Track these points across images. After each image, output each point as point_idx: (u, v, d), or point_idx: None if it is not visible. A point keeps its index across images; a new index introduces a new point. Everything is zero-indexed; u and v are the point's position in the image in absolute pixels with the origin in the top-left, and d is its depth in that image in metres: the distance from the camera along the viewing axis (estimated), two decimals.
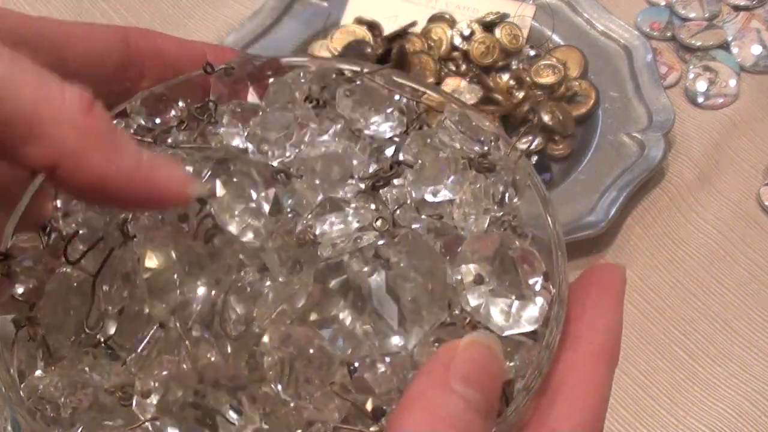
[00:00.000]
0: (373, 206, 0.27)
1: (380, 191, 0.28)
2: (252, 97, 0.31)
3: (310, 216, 0.27)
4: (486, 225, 0.28)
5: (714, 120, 0.65)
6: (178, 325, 0.26)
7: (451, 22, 0.66)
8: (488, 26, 0.66)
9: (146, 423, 0.24)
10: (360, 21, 0.66)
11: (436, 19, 0.66)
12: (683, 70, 0.68)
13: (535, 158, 0.60)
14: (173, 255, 0.26)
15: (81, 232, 0.28)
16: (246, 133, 0.29)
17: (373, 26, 0.65)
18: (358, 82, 0.31)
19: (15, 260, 0.27)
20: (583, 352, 0.27)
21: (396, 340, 0.25)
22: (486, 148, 0.29)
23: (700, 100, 0.66)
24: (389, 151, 0.30)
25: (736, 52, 0.68)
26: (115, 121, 0.30)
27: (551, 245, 0.28)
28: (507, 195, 0.29)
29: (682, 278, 0.57)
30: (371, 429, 0.24)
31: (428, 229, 0.28)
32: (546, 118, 0.61)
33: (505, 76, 0.64)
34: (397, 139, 0.30)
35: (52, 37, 0.30)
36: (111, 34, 0.32)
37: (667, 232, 0.59)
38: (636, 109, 0.63)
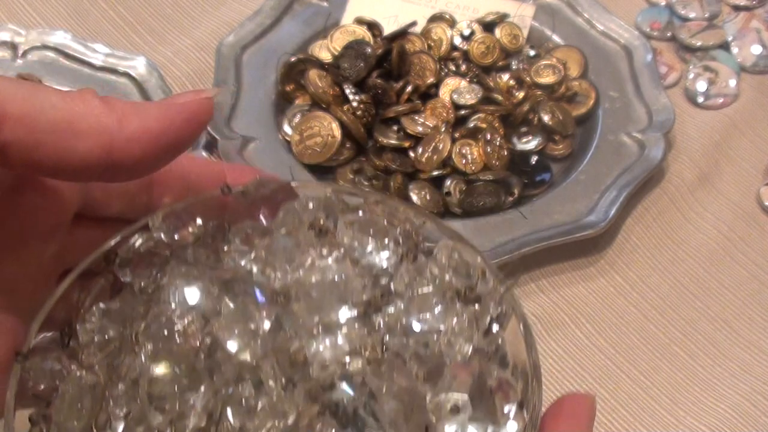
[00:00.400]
0: (364, 331, 0.30)
1: (372, 317, 0.30)
2: (263, 219, 0.34)
3: (304, 337, 0.29)
4: (469, 354, 0.30)
5: (714, 120, 0.65)
6: None
7: (451, 22, 0.66)
8: (488, 26, 0.66)
9: None
10: (360, 21, 0.66)
11: (436, 19, 0.66)
12: (683, 70, 0.68)
13: (535, 158, 0.60)
14: (176, 367, 0.28)
15: (96, 338, 0.30)
16: (253, 256, 0.31)
17: (373, 26, 0.65)
18: (360, 213, 0.33)
19: (35, 360, 0.29)
20: None
21: None
22: (473, 281, 0.32)
23: (700, 100, 0.66)
24: (384, 280, 0.32)
25: (736, 52, 0.69)
26: (136, 235, 0.33)
27: (528, 374, 0.31)
28: (492, 326, 0.31)
29: (682, 278, 0.57)
30: None
31: (414, 355, 0.30)
32: (546, 118, 0.61)
33: (505, 76, 0.64)
34: (391, 269, 0.32)
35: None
36: None
37: (667, 232, 0.59)
38: (636, 109, 0.63)
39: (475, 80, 0.63)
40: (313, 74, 0.61)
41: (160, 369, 0.28)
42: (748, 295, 0.56)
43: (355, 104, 0.59)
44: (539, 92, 0.63)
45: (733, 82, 0.67)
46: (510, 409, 0.29)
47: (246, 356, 0.29)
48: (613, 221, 0.56)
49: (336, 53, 0.63)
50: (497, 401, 0.29)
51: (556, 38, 0.67)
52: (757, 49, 0.69)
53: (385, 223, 0.33)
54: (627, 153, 0.60)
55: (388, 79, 0.61)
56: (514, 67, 0.65)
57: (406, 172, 0.58)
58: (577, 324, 0.54)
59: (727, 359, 0.53)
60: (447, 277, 0.32)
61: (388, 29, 0.65)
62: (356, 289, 0.31)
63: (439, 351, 0.30)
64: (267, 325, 0.29)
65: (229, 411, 0.28)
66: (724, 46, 0.69)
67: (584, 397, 0.30)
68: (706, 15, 0.71)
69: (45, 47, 0.63)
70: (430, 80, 0.62)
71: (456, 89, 0.62)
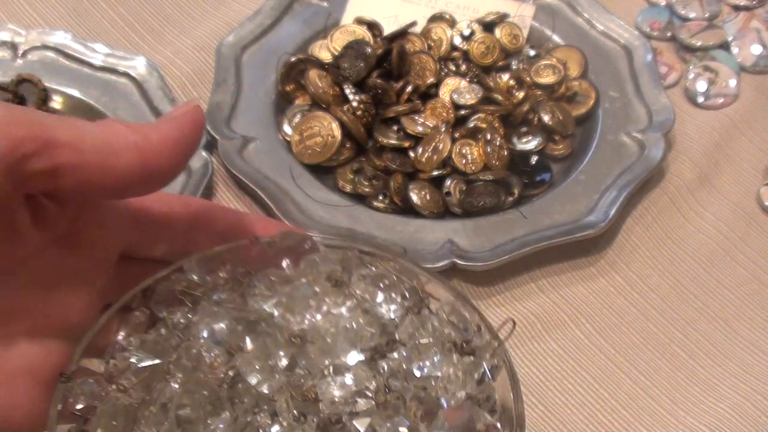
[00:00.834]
0: (371, 374, 0.34)
1: (378, 362, 0.34)
2: (286, 268, 0.38)
3: (317, 376, 0.33)
4: (462, 399, 0.34)
5: (714, 120, 0.65)
6: None
7: (451, 22, 0.66)
8: (488, 26, 0.66)
9: None
10: (360, 21, 0.66)
11: (436, 19, 0.66)
12: (683, 70, 0.68)
13: (535, 158, 0.60)
14: (202, 396, 0.32)
15: (132, 365, 0.34)
16: (275, 301, 0.36)
17: (373, 26, 0.65)
18: (374, 269, 0.38)
19: (77, 381, 0.34)
20: None
21: None
22: (470, 335, 0.36)
23: (700, 100, 0.66)
24: (390, 329, 0.36)
25: (736, 52, 0.69)
26: (172, 276, 0.38)
27: (513, 421, 0.35)
28: (484, 376, 0.35)
29: (682, 278, 0.57)
30: None
31: (414, 397, 0.33)
32: (546, 118, 0.61)
33: (505, 76, 0.64)
34: (397, 320, 0.36)
35: (130, 204, 0.37)
36: (176, 201, 0.39)
37: (667, 232, 0.59)
38: (636, 109, 0.63)
39: (475, 80, 0.63)
40: (313, 74, 0.61)
41: (186, 398, 0.32)
42: (748, 295, 0.56)
43: (355, 104, 0.59)
44: (539, 92, 0.63)
45: (733, 82, 0.67)
46: None
47: (264, 389, 0.33)
48: (613, 221, 0.56)
49: (336, 53, 0.63)
50: None
51: (556, 38, 0.67)
52: (757, 49, 0.69)
53: (395, 278, 0.37)
54: (627, 153, 0.60)
55: (388, 79, 0.61)
56: (514, 67, 0.65)
57: (406, 172, 0.58)
58: (577, 324, 0.54)
59: (727, 359, 0.53)
60: (446, 330, 0.36)
61: (388, 29, 0.65)
62: (365, 337, 0.35)
63: (436, 395, 0.34)
64: (284, 363, 0.34)
65: None
66: (724, 46, 0.69)
67: None
68: (706, 15, 0.71)
69: (45, 47, 0.63)
70: (430, 80, 0.62)
71: (456, 89, 0.62)
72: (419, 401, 0.33)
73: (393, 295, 0.36)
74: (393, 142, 0.59)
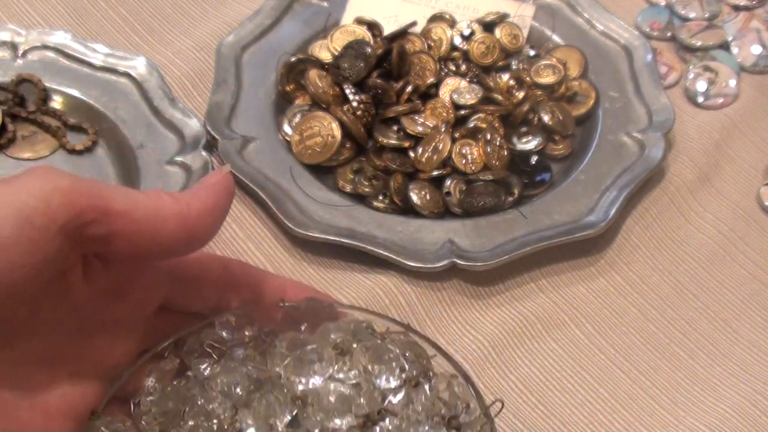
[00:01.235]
0: None
1: (370, 427, 0.37)
2: (303, 331, 0.42)
3: None
4: None
5: (714, 120, 0.65)
6: None
7: (451, 22, 0.66)
8: (488, 26, 0.66)
9: None
10: (360, 21, 0.66)
11: (436, 19, 0.66)
12: (683, 70, 0.68)
13: (535, 158, 0.60)
14: None
15: (154, 409, 0.38)
16: (284, 363, 0.39)
17: (373, 26, 0.65)
18: (379, 341, 0.40)
19: (105, 419, 0.37)
20: None
21: None
22: (458, 411, 0.39)
23: (700, 100, 0.66)
24: (385, 398, 0.39)
25: (736, 52, 0.69)
26: (203, 330, 0.41)
27: None
28: None
29: (682, 278, 0.57)
30: None
31: None
32: (546, 118, 0.61)
33: (505, 76, 0.64)
34: (393, 390, 0.39)
35: (171, 263, 0.40)
36: (216, 262, 0.43)
37: (667, 232, 0.59)
38: (636, 109, 0.63)
39: (475, 80, 0.63)
40: (313, 74, 0.61)
41: None
42: (748, 295, 0.56)
43: (355, 104, 0.59)
44: (539, 92, 0.63)
45: (733, 82, 0.67)
46: None
47: None
48: (613, 221, 0.56)
49: (336, 53, 0.63)
50: None
51: (556, 38, 0.67)
52: (757, 49, 0.69)
53: (398, 351, 0.40)
54: (627, 153, 0.60)
55: (388, 79, 0.61)
56: (514, 67, 0.65)
57: (406, 172, 0.58)
58: (577, 324, 0.54)
59: (727, 359, 0.53)
60: (437, 405, 0.39)
61: (388, 29, 0.65)
62: (360, 404, 0.38)
63: None
64: (286, 420, 0.37)
65: None
66: (724, 46, 0.69)
67: None
68: (706, 15, 0.71)
69: (45, 47, 0.63)
70: (430, 80, 0.62)
71: (456, 89, 0.62)
72: None
73: (393, 365, 0.39)
74: (393, 142, 0.59)
